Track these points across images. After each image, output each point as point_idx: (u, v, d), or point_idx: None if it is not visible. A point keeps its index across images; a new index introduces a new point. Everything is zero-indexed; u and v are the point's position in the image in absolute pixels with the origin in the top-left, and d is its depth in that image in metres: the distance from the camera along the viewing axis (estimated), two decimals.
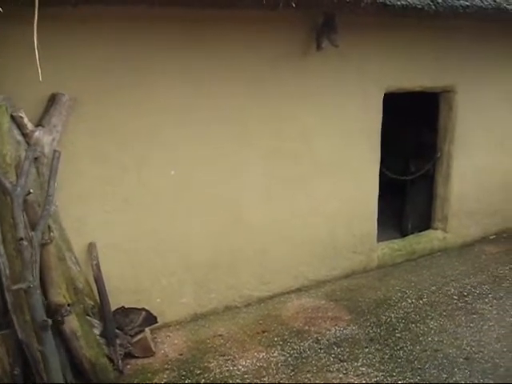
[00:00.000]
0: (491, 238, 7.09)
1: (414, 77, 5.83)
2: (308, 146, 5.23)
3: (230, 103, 4.74)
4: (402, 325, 4.88)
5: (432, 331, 4.76)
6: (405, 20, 5.21)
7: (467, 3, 5.01)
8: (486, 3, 5.13)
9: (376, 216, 5.96)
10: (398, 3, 4.56)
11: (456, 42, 6.07)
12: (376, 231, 6.02)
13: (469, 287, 5.64)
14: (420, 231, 6.88)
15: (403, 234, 7.10)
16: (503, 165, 6.99)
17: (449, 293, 5.51)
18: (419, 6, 4.69)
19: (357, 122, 5.51)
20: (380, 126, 5.70)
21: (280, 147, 5.07)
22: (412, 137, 7.46)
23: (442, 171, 6.55)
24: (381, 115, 5.67)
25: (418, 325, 4.87)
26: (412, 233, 6.96)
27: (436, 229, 6.71)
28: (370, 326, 4.86)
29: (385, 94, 5.65)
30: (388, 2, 4.51)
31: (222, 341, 4.62)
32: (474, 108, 6.44)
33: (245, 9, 4.21)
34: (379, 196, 5.95)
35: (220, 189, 4.85)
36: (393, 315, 5.05)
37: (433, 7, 4.78)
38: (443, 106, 6.40)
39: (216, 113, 4.70)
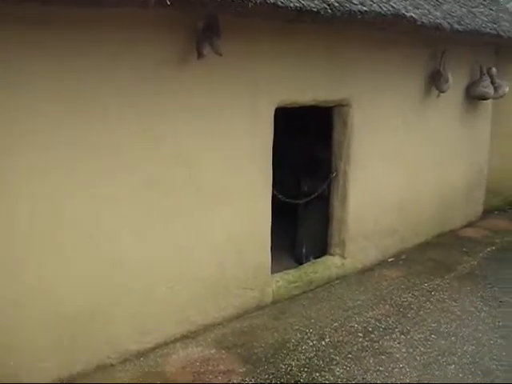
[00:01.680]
0: (390, 260, 6.67)
1: (308, 90, 5.25)
2: (189, 172, 4.46)
3: (95, 124, 3.89)
4: (304, 374, 4.24)
5: (339, 380, 4.15)
6: (299, 26, 4.63)
7: (365, 8, 4.48)
8: (384, 9, 4.64)
9: (269, 245, 5.30)
10: (292, 5, 3.92)
11: (352, 53, 5.58)
12: (270, 262, 5.35)
13: (373, 321, 5.10)
14: (316, 257, 6.33)
15: (298, 261, 6.53)
16: (399, 182, 6.60)
17: (352, 329, 4.94)
18: (314, 10, 4.07)
19: (245, 141, 4.82)
20: (271, 145, 5.05)
21: (157, 174, 4.26)
22: (305, 153, 6.92)
23: (338, 191, 6.02)
24: (272, 133, 5.02)
25: (323, 373, 4.26)
26: (307, 259, 6.40)
27: (333, 254, 6.16)
28: (268, 378, 4.18)
29: (276, 109, 5.01)
30: (280, 4, 3.85)
31: None
32: (369, 123, 5.98)
33: (108, 7, 3.41)
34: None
35: (89, 225, 3.98)
36: (294, 363, 4.39)
37: (329, 11, 4.19)
38: (338, 120, 5.88)
39: (77, 135, 3.83)
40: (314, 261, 6.15)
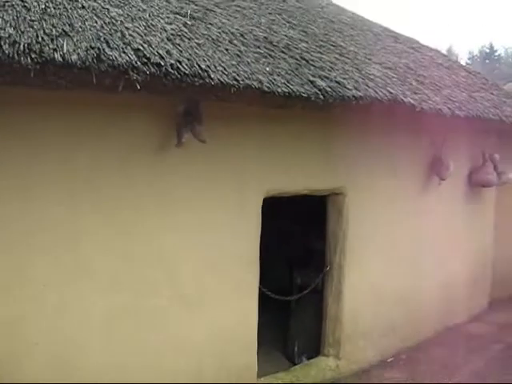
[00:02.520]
0: (389, 360, 6.10)
1: (300, 178, 4.88)
2: (167, 272, 4.02)
3: (56, 218, 3.48)
4: None
5: None
6: (289, 112, 4.29)
7: (360, 94, 4.16)
8: (381, 94, 4.32)
9: (255, 347, 4.79)
10: (279, 90, 3.60)
11: (347, 139, 5.26)
12: (256, 366, 4.82)
13: None
14: (309, 356, 5.81)
15: (290, 359, 6.01)
16: (399, 276, 6.12)
17: None
18: (304, 95, 3.75)
19: (230, 235, 4.41)
20: (258, 238, 4.64)
21: (129, 274, 3.83)
22: (298, 242, 6.51)
23: (333, 287, 5.55)
24: (259, 225, 4.62)
25: None
26: (300, 358, 5.89)
27: (327, 355, 5.62)
28: None
29: (265, 199, 4.63)
30: (266, 89, 3.52)
31: None
32: (366, 213, 5.58)
33: (72, 89, 3.07)
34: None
35: (47, 335, 3.51)
36: None
37: (320, 97, 3.86)
38: (332, 210, 5.48)
39: (38, 233, 3.41)
40: (306, 362, 5.62)
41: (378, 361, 6.00)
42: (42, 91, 3.15)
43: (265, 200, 4.62)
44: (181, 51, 3.37)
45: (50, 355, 3.56)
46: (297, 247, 6.72)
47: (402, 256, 6.11)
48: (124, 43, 3.11)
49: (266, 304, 4.93)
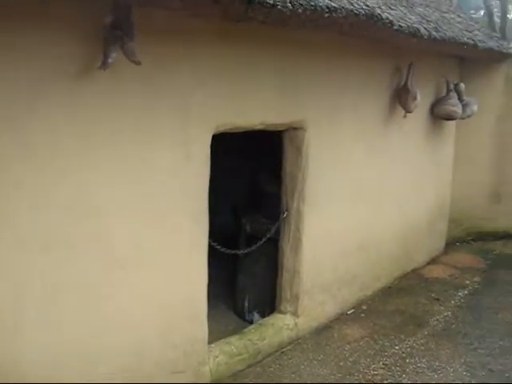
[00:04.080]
0: (349, 313, 5.53)
1: (254, 111, 4.07)
2: (94, 225, 3.16)
3: None
4: None
5: None
6: (246, 28, 3.45)
7: (334, 4, 3.32)
8: (357, 6, 3.50)
9: (205, 312, 4.06)
10: None
11: (309, 66, 4.45)
12: (206, 335, 4.10)
13: None
14: (261, 312, 5.16)
15: (239, 315, 5.39)
16: (360, 220, 5.48)
17: None
18: (270, 1, 2.88)
19: (173, 181, 3.57)
20: (207, 183, 3.83)
21: (44, 231, 2.95)
22: (248, 185, 5.74)
23: (290, 235, 4.84)
24: (208, 167, 3.80)
25: None
26: (251, 314, 5.28)
27: (284, 313, 4.95)
28: None
29: (214, 136, 3.80)
30: None
31: None
32: (328, 152, 4.85)
33: None
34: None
35: None
36: None
37: (289, 5, 3.01)
38: (290, 148, 4.70)
39: None
40: (260, 321, 4.95)
41: (338, 314, 5.42)
42: None
43: (214, 137, 3.80)
44: None
45: None
46: (246, 189, 5.96)
47: (364, 199, 5.46)
48: None
49: (213, 253, 4.20)
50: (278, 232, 4.91)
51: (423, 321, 5.38)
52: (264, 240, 4.82)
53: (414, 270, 6.63)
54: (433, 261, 7.04)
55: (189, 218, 3.73)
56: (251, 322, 5.19)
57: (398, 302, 5.79)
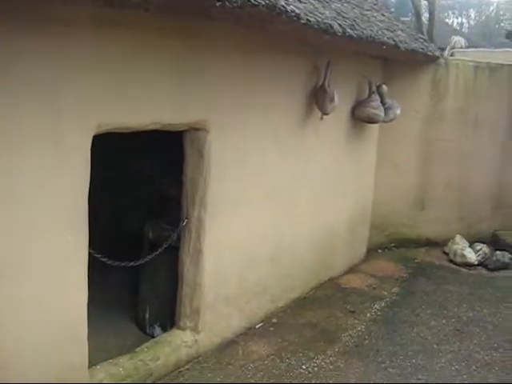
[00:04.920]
0: (258, 326, 5.17)
1: (146, 108, 3.63)
2: None
3: None
4: None
5: None
6: (136, 18, 3.05)
7: None
8: None
9: (85, 333, 3.60)
10: None
11: (211, 60, 4.04)
12: (86, 358, 3.65)
13: None
14: (163, 325, 4.78)
15: (140, 328, 5.00)
16: (271, 227, 5.13)
17: None
18: None
19: (44, 187, 3.10)
20: (85, 189, 3.36)
21: None
22: (151, 187, 5.30)
23: (191, 245, 4.44)
24: (87, 171, 3.34)
25: None
26: (151, 327, 4.91)
27: (183, 328, 4.54)
28: None
29: (95, 136, 3.35)
30: None
31: None
32: (233, 154, 4.47)
33: None
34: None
35: None
36: None
37: None
38: (190, 150, 4.29)
39: None
40: (156, 339, 4.52)
41: (246, 328, 5.05)
42: None
43: (95, 138, 3.34)
44: None
45: None
46: (149, 192, 5.51)
47: (275, 205, 5.11)
48: None
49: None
50: (179, 240, 4.51)
51: (335, 336, 5.07)
52: (163, 248, 4.42)
53: (331, 279, 6.34)
54: (352, 269, 6.77)
55: (62, 228, 3.26)
56: (153, 336, 4.80)
57: (310, 315, 5.47)
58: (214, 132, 4.21)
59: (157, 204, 5.12)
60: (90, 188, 3.37)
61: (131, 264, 4.19)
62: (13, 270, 3.03)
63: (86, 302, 3.54)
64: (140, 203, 5.49)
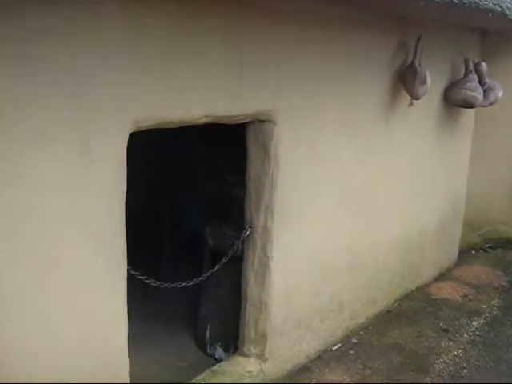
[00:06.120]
0: (335, 348, 4.46)
1: (196, 98, 2.94)
2: None
3: None
4: None
5: None
6: None
7: None
8: None
9: (127, 360, 2.97)
10: None
11: (276, 38, 3.31)
12: None
13: None
14: (224, 346, 4.17)
15: (200, 347, 4.42)
16: (351, 233, 4.39)
17: None
18: None
19: (67, 195, 2.47)
20: (122, 198, 2.70)
21: None
22: (214, 188, 4.62)
23: (255, 259, 3.75)
24: (123, 173, 2.68)
25: None
26: (213, 348, 4.35)
27: (247, 355, 3.88)
28: None
29: (131, 134, 2.70)
30: None
31: None
32: (305, 150, 3.74)
33: None
34: None
35: None
36: None
37: None
38: (254, 146, 3.59)
39: None
40: (214, 368, 3.87)
41: (320, 351, 4.35)
42: None
43: (131, 136, 2.70)
44: None
45: None
46: (214, 189, 4.83)
47: (355, 210, 4.35)
48: None
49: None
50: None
51: (426, 363, 4.28)
52: (227, 259, 3.78)
53: (418, 289, 5.52)
54: (442, 275, 5.92)
55: (92, 249, 2.64)
56: (214, 357, 4.23)
57: (396, 334, 4.70)
58: (283, 124, 3.50)
59: (221, 205, 4.44)
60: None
61: (183, 284, 3.54)
62: (25, 311, 2.43)
63: (126, 339, 2.92)
64: (202, 203, 4.81)
